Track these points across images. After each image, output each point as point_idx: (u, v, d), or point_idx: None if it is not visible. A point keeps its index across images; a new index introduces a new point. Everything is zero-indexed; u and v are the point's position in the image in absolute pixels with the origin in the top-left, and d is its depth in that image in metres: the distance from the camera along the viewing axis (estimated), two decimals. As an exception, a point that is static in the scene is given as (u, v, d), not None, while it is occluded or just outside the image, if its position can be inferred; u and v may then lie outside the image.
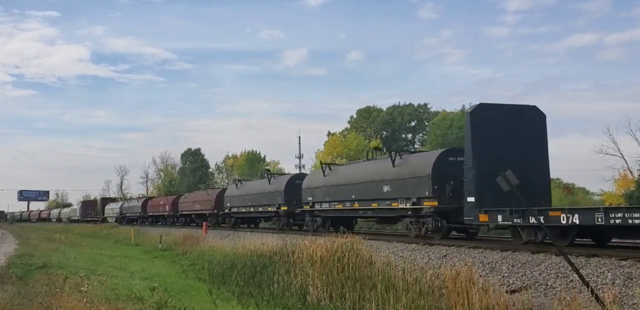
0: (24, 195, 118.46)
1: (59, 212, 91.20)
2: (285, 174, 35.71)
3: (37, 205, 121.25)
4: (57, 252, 19.90)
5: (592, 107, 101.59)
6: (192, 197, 43.29)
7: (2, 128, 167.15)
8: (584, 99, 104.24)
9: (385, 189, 19.14)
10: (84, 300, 8.47)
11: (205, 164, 78.61)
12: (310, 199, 24.64)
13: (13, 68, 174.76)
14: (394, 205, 18.68)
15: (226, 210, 34.41)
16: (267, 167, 60.05)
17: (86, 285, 9.56)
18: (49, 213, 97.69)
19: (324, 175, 24.17)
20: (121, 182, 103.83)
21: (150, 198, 56.87)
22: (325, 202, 23.43)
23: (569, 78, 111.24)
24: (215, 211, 36.10)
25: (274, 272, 12.17)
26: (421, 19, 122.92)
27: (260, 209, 29.78)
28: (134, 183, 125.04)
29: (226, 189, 38.54)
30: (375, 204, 19.76)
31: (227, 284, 12.79)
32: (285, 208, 26.98)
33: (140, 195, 69.71)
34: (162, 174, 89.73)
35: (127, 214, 58.72)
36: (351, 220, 24.23)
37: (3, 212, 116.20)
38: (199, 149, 79.21)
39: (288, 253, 13.53)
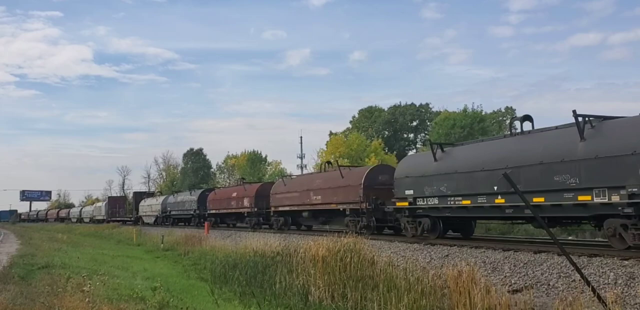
0: (26, 195, 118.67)
1: (80, 211, 79.50)
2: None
3: (39, 205, 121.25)
4: (59, 252, 19.93)
5: (596, 106, 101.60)
6: (305, 183, 26.24)
7: (6, 128, 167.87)
8: (587, 98, 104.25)
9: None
10: (86, 300, 8.48)
11: (207, 164, 78.76)
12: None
13: (16, 68, 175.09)
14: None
15: (405, 204, 18.29)
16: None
17: (88, 285, 9.57)
18: (69, 212, 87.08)
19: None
20: (123, 182, 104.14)
21: (211, 189, 41.66)
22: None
23: (573, 78, 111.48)
24: (370, 206, 20.55)
25: (275, 272, 12.17)
26: (424, 18, 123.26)
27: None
28: (136, 183, 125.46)
29: (384, 166, 23.72)
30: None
31: (229, 284, 12.79)
32: None
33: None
34: (164, 173, 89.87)
35: (174, 212, 44.35)
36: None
37: (16, 211, 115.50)
38: (200, 149, 79.43)
39: (290, 253, 13.54)
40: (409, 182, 18.30)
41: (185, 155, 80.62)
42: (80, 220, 75.75)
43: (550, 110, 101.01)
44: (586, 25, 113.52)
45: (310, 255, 11.72)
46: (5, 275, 11.94)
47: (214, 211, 37.32)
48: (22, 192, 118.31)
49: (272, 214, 28.83)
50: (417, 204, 17.93)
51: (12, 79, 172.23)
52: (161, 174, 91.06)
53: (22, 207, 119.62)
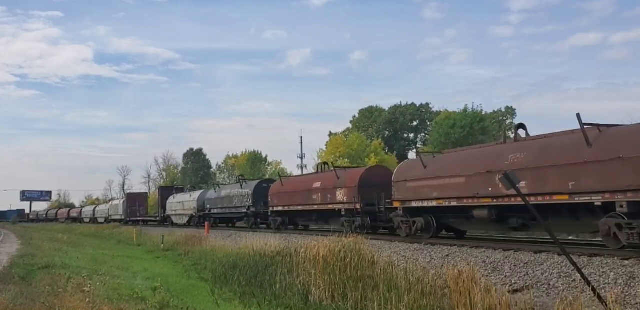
0: (26, 196, 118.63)
1: (94, 210, 72.08)
2: None
3: (39, 206, 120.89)
4: (59, 252, 19.93)
5: (596, 106, 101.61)
6: (484, 160, 15.62)
7: (6, 129, 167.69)
8: (588, 98, 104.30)
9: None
10: (87, 300, 8.48)
11: (207, 164, 78.98)
12: None
13: (17, 68, 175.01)
14: None
15: None
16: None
17: (89, 286, 9.58)
18: (80, 212, 79.77)
19: None
20: (123, 182, 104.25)
21: (271, 180, 32.38)
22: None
23: (573, 77, 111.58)
24: None
25: (276, 272, 12.18)
26: (425, 18, 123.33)
27: None
28: (136, 183, 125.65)
29: None
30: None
31: (229, 284, 12.80)
32: None
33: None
34: (164, 173, 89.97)
35: (216, 210, 35.94)
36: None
37: (23, 210, 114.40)
38: (200, 149, 79.67)
39: (290, 253, 13.54)
40: None
41: (185, 155, 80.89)
42: (93, 220, 68.39)
43: (551, 110, 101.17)
44: (586, 25, 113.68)
45: (311, 255, 11.74)
46: (5, 276, 11.93)
47: (280, 208, 27.16)
48: (22, 193, 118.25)
49: (400, 212, 18.62)
50: None
51: (13, 79, 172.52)
52: (161, 174, 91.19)
53: (24, 208, 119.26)
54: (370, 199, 20.36)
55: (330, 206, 22.72)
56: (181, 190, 49.53)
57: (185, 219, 41.44)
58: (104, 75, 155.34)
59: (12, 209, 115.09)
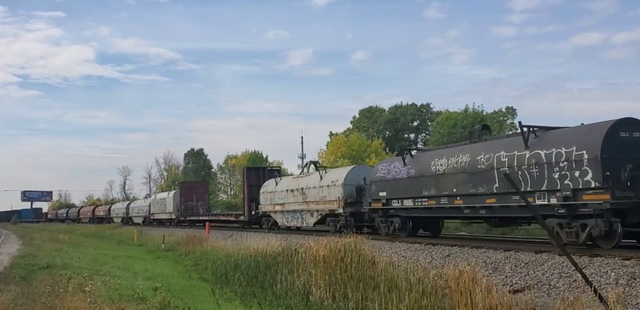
0: (27, 196, 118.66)
1: (127, 208, 55.79)
2: None
3: (39, 206, 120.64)
4: (60, 253, 19.95)
5: (598, 106, 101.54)
6: None
7: (7, 129, 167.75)
8: (590, 98, 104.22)
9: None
10: (88, 300, 8.49)
11: (207, 164, 78.98)
12: None
13: (18, 69, 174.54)
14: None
15: None
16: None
17: (90, 286, 9.59)
18: (109, 210, 64.38)
19: None
20: (124, 183, 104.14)
21: (636, 120, 12.40)
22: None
23: (575, 77, 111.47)
24: None
25: (276, 272, 12.17)
26: (427, 18, 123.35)
27: None
28: (136, 183, 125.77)
29: None
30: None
31: (230, 284, 12.80)
32: None
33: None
34: (165, 173, 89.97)
35: (411, 202, 17.64)
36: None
37: (40, 209, 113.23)
38: (201, 149, 79.71)
39: (291, 253, 13.54)
40: None
41: (186, 155, 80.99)
42: (127, 220, 53.91)
43: (553, 110, 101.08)
44: (589, 25, 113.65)
45: (311, 255, 11.73)
46: (6, 276, 11.95)
47: None
48: (23, 193, 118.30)
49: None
50: None
51: (15, 79, 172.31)
52: (162, 174, 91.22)
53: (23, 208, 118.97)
54: None
55: None
56: (273, 172, 32.53)
57: (312, 220, 24.49)
58: (105, 76, 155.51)
59: (26, 208, 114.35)
